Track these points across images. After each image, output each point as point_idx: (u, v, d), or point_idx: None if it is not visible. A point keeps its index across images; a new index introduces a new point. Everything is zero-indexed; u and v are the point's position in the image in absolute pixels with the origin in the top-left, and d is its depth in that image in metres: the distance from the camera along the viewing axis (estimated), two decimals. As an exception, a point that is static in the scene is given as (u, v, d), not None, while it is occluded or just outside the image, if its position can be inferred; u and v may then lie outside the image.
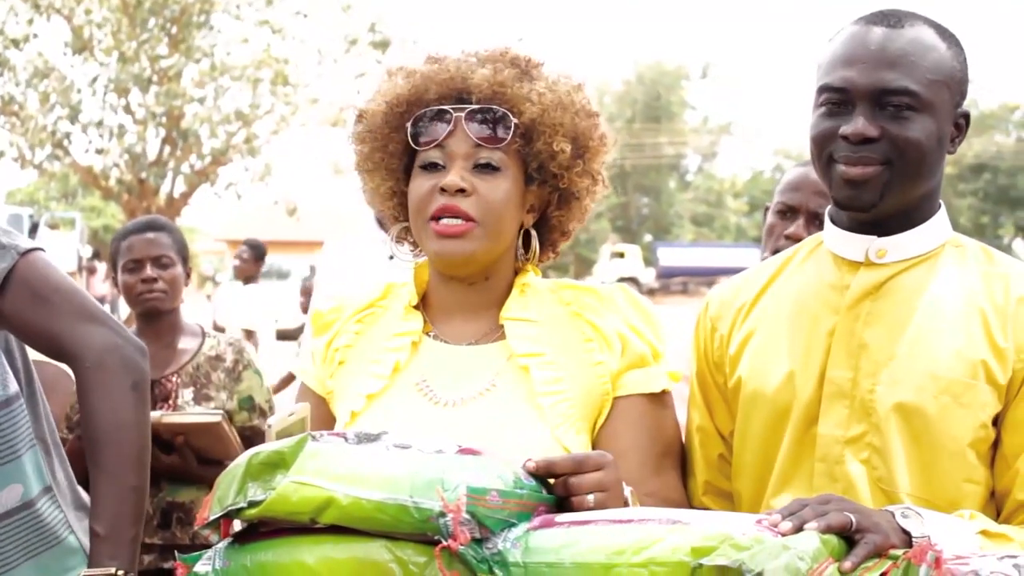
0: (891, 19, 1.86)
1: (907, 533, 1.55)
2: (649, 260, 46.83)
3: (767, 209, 2.95)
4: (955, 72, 1.86)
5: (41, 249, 2.17)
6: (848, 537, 1.49)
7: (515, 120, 1.92)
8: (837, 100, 1.85)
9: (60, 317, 2.10)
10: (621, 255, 45.14)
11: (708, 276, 40.47)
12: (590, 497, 1.62)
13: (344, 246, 3.87)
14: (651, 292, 41.77)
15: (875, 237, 1.90)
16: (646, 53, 60.24)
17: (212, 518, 1.60)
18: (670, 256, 45.12)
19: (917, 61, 1.82)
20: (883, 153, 1.82)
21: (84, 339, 2.09)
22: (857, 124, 1.82)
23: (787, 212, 2.83)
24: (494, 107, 1.92)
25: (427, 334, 1.99)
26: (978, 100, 56.52)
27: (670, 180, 60.36)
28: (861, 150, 1.82)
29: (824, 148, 1.87)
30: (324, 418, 2.00)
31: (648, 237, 57.44)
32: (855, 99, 1.83)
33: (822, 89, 1.87)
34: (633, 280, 41.85)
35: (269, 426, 1.75)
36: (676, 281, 43.99)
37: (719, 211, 59.90)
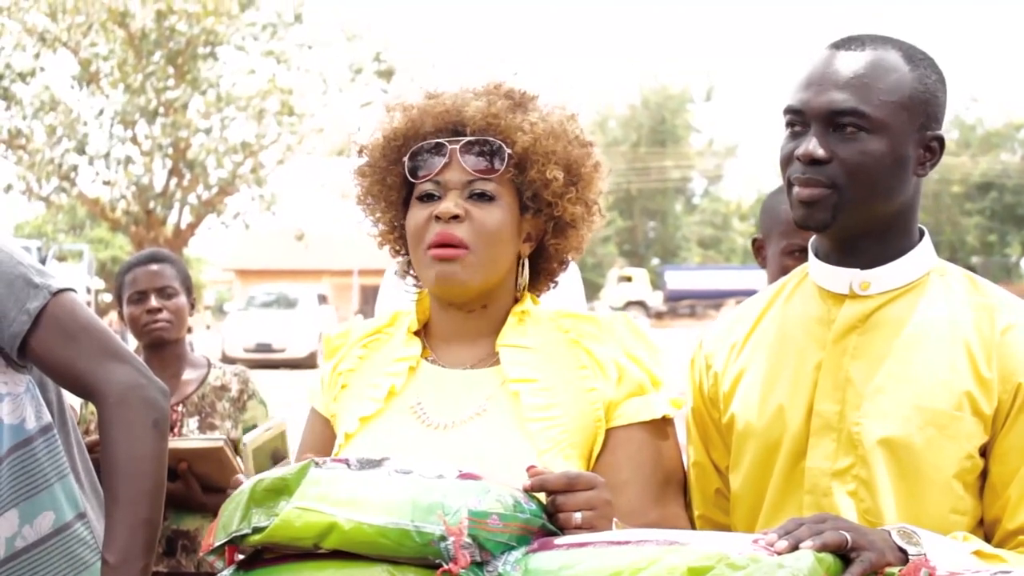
0: (855, 42, 1.87)
1: (903, 551, 1.56)
2: (656, 283, 46.85)
3: (757, 244, 2.85)
4: (918, 94, 1.84)
5: (72, 289, 2.23)
6: (844, 556, 1.50)
7: (508, 150, 1.95)
8: (796, 122, 1.87)
9: (86, 356, 2.16)
10: (628, 279, 45.19)
11: (716, 299, 40.48)
12: (577, 515, 1.64)
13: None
14: (659, 315, 41.78)
15: (858, 270, 1.90)
16: (651, 77, 60.29)
17: (217, 544, 1.61)
18: (677, 279, 45.16)
19: (871, 83, 1.82)
20: (831, 176, 1.83)
21: (108, 377, 2.14)
22: (807, 145, 1.83)
23: (799, 252, 2.68)
24: (488, 138, 1.95)
25: (425, 358, 2.02)
26: (984, 119, 56.60)
27: (676, 203, 60.46)
28: (810, 171, 1.84)
29: (784, 169, 1.90)
30: (329, 439, 2.03)
31: (655, 260, 57.52)
32: (809, 120, 1.85)
33: (784, 111, 1.89)
34: (641, 304, 41.88)
35: (244, 444, 1.76)
36: (684, 304, 44.00)
37: (725, 233, 59.95)
